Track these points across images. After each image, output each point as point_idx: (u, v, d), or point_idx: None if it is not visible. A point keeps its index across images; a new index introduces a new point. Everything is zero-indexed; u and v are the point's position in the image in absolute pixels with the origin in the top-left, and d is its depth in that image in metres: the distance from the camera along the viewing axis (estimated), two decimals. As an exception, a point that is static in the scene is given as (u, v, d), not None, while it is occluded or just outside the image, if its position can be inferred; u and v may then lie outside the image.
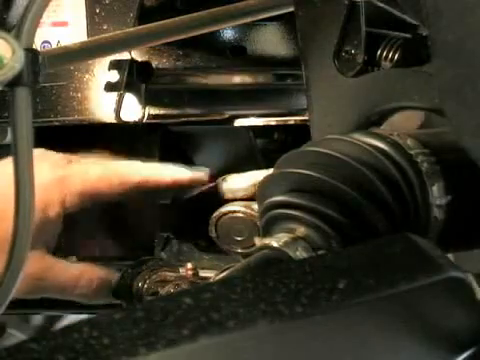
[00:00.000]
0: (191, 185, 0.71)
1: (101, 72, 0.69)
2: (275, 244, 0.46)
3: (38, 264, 0.66)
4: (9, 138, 0.67)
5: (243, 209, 0.68)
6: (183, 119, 0.72)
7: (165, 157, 0.73)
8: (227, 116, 0.72)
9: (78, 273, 0.68)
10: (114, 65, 0.68)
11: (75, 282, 0.68)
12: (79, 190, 0.67)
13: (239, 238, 0.69)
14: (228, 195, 0.70)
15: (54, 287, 0.67)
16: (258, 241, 0.47)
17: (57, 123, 0.71)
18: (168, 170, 0.70)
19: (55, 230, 0.68)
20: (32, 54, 0.45)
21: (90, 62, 0.69)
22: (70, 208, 0.67)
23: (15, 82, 0.44)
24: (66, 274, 0.68)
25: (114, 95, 0.69)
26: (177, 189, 0.72)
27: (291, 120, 0.73)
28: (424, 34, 0.53)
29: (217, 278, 0.49)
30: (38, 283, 0.66)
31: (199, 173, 0.70)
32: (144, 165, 0.70)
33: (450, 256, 0.50)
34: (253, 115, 0.73)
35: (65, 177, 0.67)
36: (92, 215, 0.72)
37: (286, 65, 0.72)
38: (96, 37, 0.60)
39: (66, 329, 0.33)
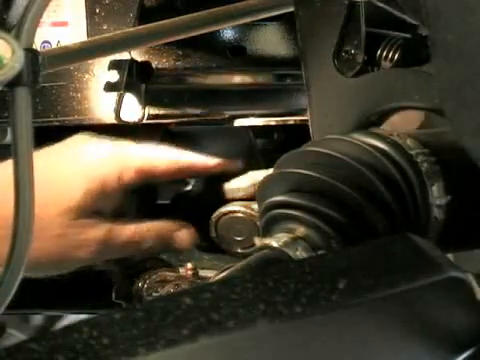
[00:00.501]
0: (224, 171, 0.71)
1: (101, 72, 0.69)
2: (275, 244, 0.46)
3: (100, 230, 0.66)
4: (9, 138, 0.67)
5: (243, 209, 0.68)
6: (183, 119, 0.72)
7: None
8: (227, 116, 0.72)
9: (141, 227, 0.68)
10: (114, 65, 0.68)
11: (140, 237, 0.68)
12: (137, 167, 0.67)
13: (239, 238, 0.69)
14: (228, 195, 0.70)
15: (120, 245, 0.67)
16: (258, 241, 0.47)
17: (57, 123, 0.71)
18: (208, 158, 0.70)
19: (112, 204, 0.68)
20: (32, 54, 0.45)
21: (90, 62, 0.69)
22: (128, 184, 0.67)
23: (15, 82, 0.44)
24: (130, 230, 0.68)
25: (114, 95, 0.69)
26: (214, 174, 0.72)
27: (291, 120, 0.73)
28: (424, 34, 0.53)
29: (217, 278, 0.49)
30: (104, 246, 0.67)
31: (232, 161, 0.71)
32: (186, 152, 0.70)
33: (450, 256, 0.50)
34: (253, 115, 0.73)
35: (125, 153, 0.68)
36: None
37: (286, 65, 0.72)
38: (96, 37, 0.60)
39: (66, 329, 0.33)
